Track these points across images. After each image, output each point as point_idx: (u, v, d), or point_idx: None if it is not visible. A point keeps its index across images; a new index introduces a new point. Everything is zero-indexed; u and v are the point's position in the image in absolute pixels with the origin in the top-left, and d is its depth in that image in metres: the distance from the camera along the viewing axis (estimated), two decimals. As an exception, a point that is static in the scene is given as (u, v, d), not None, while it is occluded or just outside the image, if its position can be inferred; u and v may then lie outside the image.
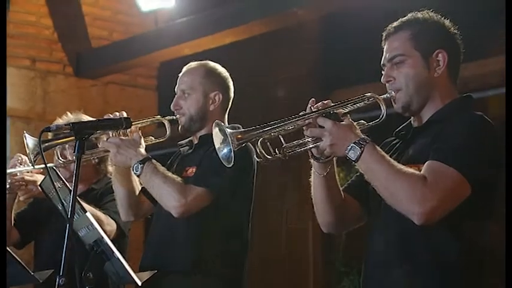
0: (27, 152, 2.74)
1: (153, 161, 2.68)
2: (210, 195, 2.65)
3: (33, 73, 5.23)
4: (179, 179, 2.67)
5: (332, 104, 2.05)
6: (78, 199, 2.21)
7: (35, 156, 2.72)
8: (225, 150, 2.03)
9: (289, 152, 2.05)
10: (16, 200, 3.20)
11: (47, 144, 2.59)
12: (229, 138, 1.99)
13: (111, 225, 3.02)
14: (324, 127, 1.99)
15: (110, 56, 5.37)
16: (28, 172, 3.10)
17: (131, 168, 2.68)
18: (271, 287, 5.73)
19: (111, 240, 2.42)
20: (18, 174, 3.11)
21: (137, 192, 2.83)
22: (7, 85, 5.04)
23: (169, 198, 2.61)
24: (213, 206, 2.66)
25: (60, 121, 3.19)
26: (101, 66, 5.39)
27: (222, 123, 2.07)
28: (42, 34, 5.27)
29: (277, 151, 2.04)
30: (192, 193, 2.62)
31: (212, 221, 2.68)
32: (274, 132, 2.01)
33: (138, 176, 2.68)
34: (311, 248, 5.75)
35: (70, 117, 3.24)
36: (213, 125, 2.08)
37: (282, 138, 2.03)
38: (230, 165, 2.02)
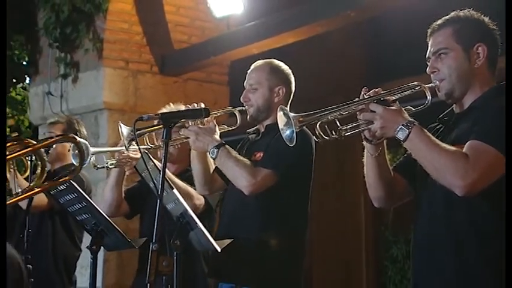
0: (122, 138, 2.76)
1: (227, 146, 2.69)
2: (276, 176, 2.65)
3: (126, 72, 5.35)
4: (249, 162, 2.68)
5: (382, 92, 2.02)
6: (166, 178, 2.23)
7: (128, 142, 2.77)
8: (288, 132, 2.02)
9: (344, 134, 2.03)
10: (125, 176, 3.22)
11: (140, 131, 2.59)
12: (292, 121, 1.98)
13: (200, 200, 3.03)
14: (375, 111, 1.97)
15: (189, 56, 5.44)
16: (134, 151, 3.07)
17: (208, 152, 2.71)
18: (327, 255, 5.71)
19: (201, 214, 2.41)
20: (124, 152, 3.08)
21: (211, 171, 2.85)
22: (106, 83, 5.24)
23: (241, 178, 2.63)
24: (278, 185, 2.66)
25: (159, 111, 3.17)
26: (181, 65, 5.47)
27: (286, 108, 2.07)
28: (133, 39, 5.38)
29: (333, 132, 2.03)
30: (260, 174, 2.64)
31: (277, 198, 2.69)
32: (331, 116, 1.99)
33: (214, 159, 2.70)
34: (363, 219, 5.69)
35: (172, 107, 3.23)
36: (278, 109, 2.07)
37: (338, 122, 2.02)
38: (292, 145, 2.02)
